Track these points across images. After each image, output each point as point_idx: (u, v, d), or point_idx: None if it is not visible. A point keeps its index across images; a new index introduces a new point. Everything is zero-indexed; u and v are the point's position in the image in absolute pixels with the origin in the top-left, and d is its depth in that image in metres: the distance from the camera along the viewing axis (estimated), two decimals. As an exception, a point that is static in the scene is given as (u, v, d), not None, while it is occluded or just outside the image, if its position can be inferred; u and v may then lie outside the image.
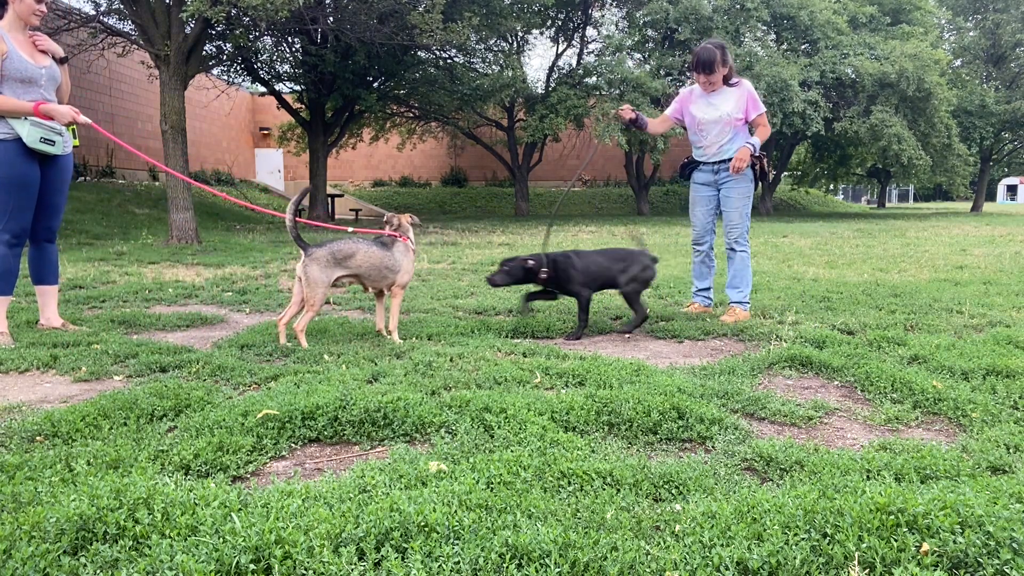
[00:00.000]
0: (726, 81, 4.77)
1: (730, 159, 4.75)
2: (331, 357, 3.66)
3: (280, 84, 19.42)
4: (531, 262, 4.43)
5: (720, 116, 4.73)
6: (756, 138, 4.72)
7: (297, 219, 3.90)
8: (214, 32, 12.67)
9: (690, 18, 20.96)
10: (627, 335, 4.49)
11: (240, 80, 21.68)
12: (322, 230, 14.47)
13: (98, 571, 1.55)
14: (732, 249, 4.89)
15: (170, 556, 1.55)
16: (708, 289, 5.15)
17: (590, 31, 25.27)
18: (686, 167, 5.08)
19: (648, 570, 1.56)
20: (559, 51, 24.89)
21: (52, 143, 3.95)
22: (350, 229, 4.29)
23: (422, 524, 1.69)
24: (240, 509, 1.79)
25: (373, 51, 15.05)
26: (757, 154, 4.72)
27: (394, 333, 4.10)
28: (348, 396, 2.68)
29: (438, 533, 1.66)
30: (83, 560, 1.57)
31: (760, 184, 4.93)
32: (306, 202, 19.38)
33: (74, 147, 4.26)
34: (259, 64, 18.32)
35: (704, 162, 4.93)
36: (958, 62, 31.80)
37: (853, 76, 22.22)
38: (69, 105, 4.08)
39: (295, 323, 3.97)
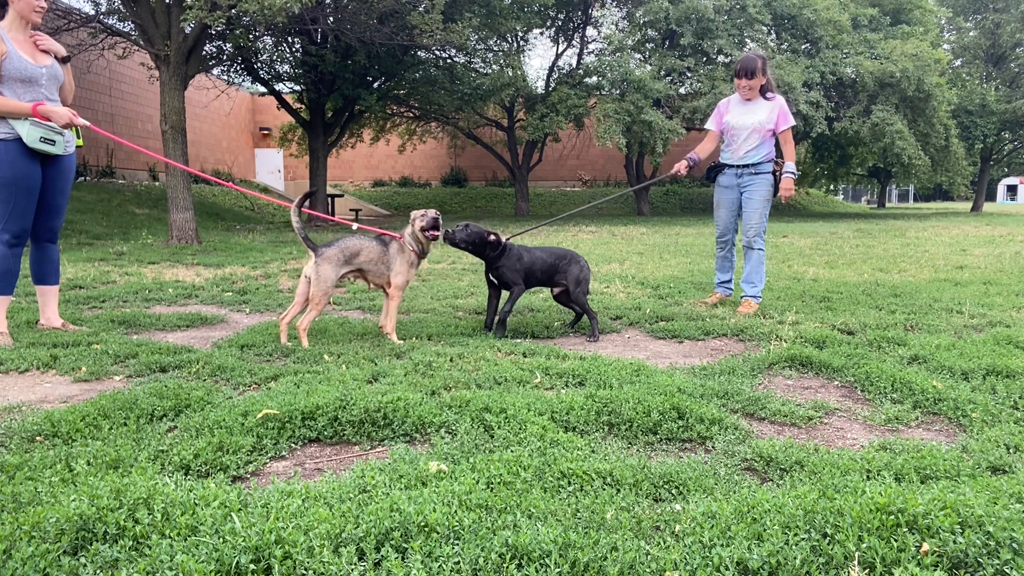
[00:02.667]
0: (763, 93, 5.19)
1: (754, 164, 5.20)
2: (331, 357, 3.66)
3: (280, 84, 19.42)
4: (493, 236, 4.33)
5: (753, 123, 5.14)
6: (791, 163, 5.18)
7: (304, 210, 3.97)
8: (214, 32, 12.66)
9: (691, 19, 20.91)
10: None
11: (240, 80, 21.67)
12: (325, 229, 14.50)
13: (98, 571, 1.55)
14: (750, 247, 5.27)
15: (170, 556, 1.55)
16: (729, 281, 5.51)
17: (590, 31, 25.28)
18: (712, 170, 5.47)
19: (648, 570, 1.56)
20: (559, 51, 24.88)
21: (52, 143, 3.95)
22: (355, 226, 4.34)
23: (422, 524, 1.69)
24: (240, 509, 1.79)
25: (373, 51, 15.05)
26: (795, 175, 5.22)
27: (391, 334, 4.11)
28: (348, 396, 2.68)
29: (438, 533, 1.66)
30: (83, 560, 1.57)
31: (778, 189, 5.30)
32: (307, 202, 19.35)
33: (77, 147, 4.26)
34: (259, 64, 18.32)
35: (730, 165, 5.31)
36: (958, 62, 31.77)
37: (853, 76, 22.20)
38: (68, 107, 4.07)
39: (298, 322, 3.99)
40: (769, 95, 5.19)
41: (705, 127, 5.54)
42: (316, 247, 3.95)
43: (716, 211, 5.45)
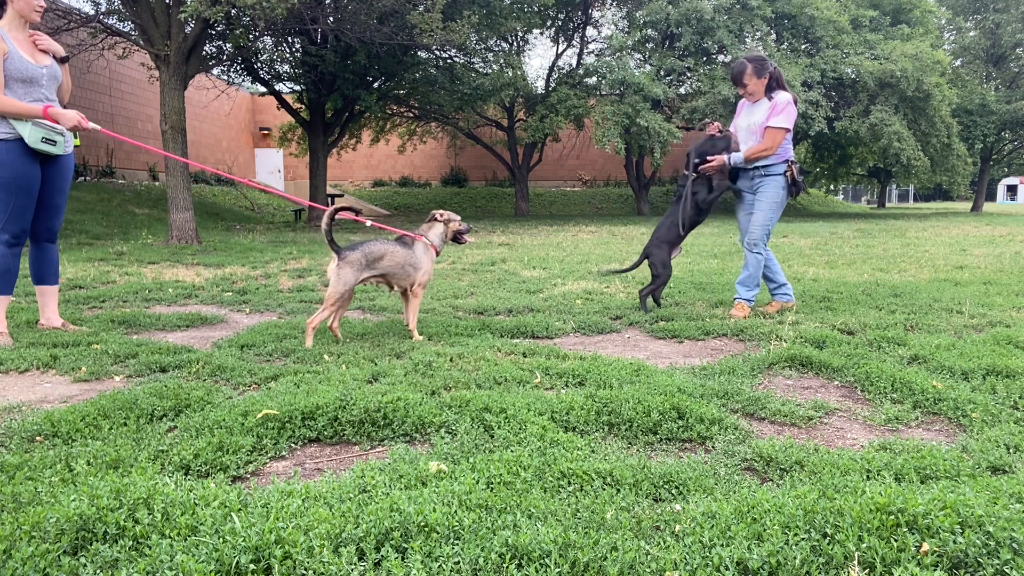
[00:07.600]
0: (769, 93, 4.92)
1: (763, 165, 4.99)
2: (331, 357, 3.66)
3: (280, 84, 19.40)
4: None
5: (749, 124, 4.99)
6: (740, 155, 4.92)
7: (342, 215, 4.22)
8: (214, 32, 12.67)
9: (691, 19, 20.91)
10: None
11: (240, 80, 21.67)
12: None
13: (98, 571, 1.55)
14: (749, 250, 5.07)
15: (170, 556, 1.55)
16: (785, 285, 5.24)
17: (590, 31, 25.31)
18: (732, 172, 5.23)
19: (648, 570, 1.56)
20: (559, 51, 24.91)
21: (53, 143, 3.95)
22: (368, 223, 4.43)
23: (422, 524, 1.69)
24: (240, 509, 1.79)
25: (373, 51, 15.04)
26: (733, 164, 4.95)
27: (414, 331, 4.19)
28: (348, 396, 2.68)
29: (438, 533, 1.66)
30: (83, 560, 1.57)
31: (792, 193, 5.04)
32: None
33: (75, 147, 4.25)
34: (259, 64, 18.30)
35: (744, 168, 5.13)
36: (958, 62, 31.78)
37: (853, 76, 22.20)
38: (75, 110, 4.05)
39: (309, 319, 4.02)
40: (772, 95, 4.89)
41: None
42: (340, 250, 3.97)
43: (738, 215, 5.30)
